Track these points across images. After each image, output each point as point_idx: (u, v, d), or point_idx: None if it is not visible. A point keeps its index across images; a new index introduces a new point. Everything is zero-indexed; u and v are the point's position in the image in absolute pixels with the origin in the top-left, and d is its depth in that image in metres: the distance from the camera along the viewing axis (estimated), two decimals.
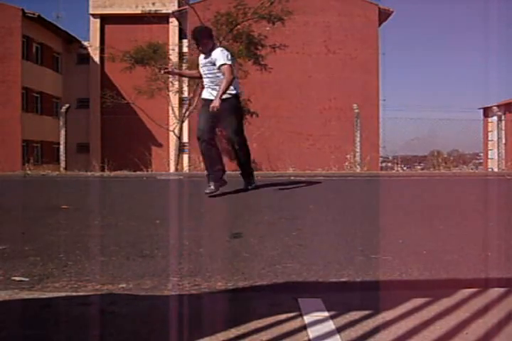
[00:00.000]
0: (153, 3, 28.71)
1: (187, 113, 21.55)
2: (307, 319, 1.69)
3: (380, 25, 25.04)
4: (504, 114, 12.77)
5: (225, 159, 5.38)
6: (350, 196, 5.59)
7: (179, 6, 27.26)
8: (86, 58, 30.31)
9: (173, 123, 22.76)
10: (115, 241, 2.97)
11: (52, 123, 22.15)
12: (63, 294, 2.00)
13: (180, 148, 21.91)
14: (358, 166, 10.24)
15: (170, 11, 27.47)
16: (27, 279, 2.19)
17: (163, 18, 27.93)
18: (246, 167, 5.34)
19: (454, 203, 4.94)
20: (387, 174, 10.04)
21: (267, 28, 19.23)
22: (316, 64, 23.82)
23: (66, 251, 2.70)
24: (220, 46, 5.16)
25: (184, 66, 22.02)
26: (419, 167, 14.43)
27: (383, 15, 24.83)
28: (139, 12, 27.79)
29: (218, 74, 4.88)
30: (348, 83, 23.36)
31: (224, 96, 4.77)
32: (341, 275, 2.27)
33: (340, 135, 20.45)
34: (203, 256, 2.63)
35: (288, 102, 22.81)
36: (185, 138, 23.77)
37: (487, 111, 29.06)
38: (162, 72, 4.77)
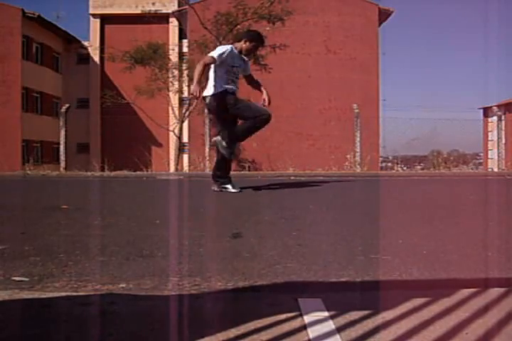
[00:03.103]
0: (153, 3, 28.73)
1: (187, 113, 21.56)
2: (307, 319, 1.69)
3: (380, 25, 25.06)
4: (504, 114, 12.78)
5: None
6: (350, 196, 5.59)
7: (179, 6, 27.29)
8: (86, 58, 30.35)
9: (173, 123, 22.78)
10: (115, 241, 2.97)
11: (52, 123, 22.17)
12: (63, 294, 2.00)
13: (180, 148, 21.93)
14: (358, 166, 10.25)
15: (170, 11, 27.52)
16: (27, 279, 2.19)
17: (163, 18, 27.96)
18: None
19: (454, 203, 4.94)
20: (387, 174, 10.04)
21: (267, 28, 19.25)
22: (316, 64, 23.84)
23: (66, 251, 2.70)
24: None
25: (184, 66, 22.06)
26: (419, 167, 14.44)
27: (383, 15, 24.85)
28: (139, 12, 27.81)
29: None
30: (348, 83, 23.39)
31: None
32: (341, 275, 2.27)
33: (340, 135, 20.48)
34: (203, 256, 2.63)
35: (288, 102, 22.82)
36: (185, 138, 23.78)
37: (487, 111, 29.10)
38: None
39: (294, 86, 23.39)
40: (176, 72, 22.06)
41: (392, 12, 25.05)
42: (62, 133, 10.57)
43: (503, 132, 11.16)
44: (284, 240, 3.01)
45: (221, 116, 5.28)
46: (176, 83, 22.39)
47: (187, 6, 22.90)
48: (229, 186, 5.31)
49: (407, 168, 14.31)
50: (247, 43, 5.16)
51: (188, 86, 22.06)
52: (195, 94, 4.93)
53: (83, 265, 2.43)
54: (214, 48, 20.42)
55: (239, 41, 5.22)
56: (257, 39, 5.23)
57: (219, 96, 5.09)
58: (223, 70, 5.10)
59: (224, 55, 5.03)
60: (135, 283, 2.15)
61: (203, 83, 5.24)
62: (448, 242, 2.98)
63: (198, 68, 4.96)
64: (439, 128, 14.29)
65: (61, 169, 10.26)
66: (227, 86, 5.11)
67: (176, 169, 17.20)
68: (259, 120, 5.14)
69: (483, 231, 3.36)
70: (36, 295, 1.99)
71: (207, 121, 11.09)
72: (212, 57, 4.99)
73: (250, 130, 5.26)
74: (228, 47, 5.12)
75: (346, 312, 1.76)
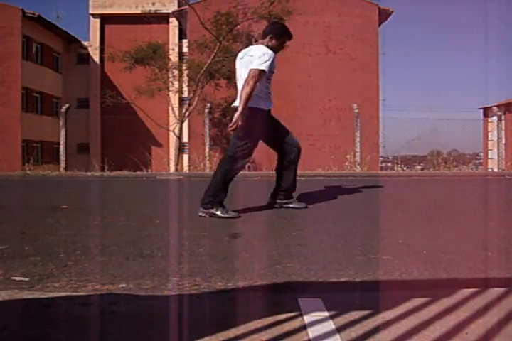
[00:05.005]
0: (153, 3, 28.71)
1: (187, 113, 21.56)
2: (307, 319, 1.69)
3: (380, 25, 25.03)
4: (504, 114, 12.76)
5: None
6: (350, 196, 5.59)
7: (179, 6, 27.25)
8: (86, 58, 30.33)
9: (173, 123, 22.76)
10: (115, 241, 2.97)
11: (52, 123, 22.14)
12: (63, 294, 2.00)
13: (180, 148, 21.91)
14: (358, 166, 10.24)
15: (170, 11, 27.48)
16: (27, 279, 2.19)
17: (163, 18, 27.96)
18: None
19: (454, 203, 4.94)
20: (387, 174, 10.03)
21: None
22: (316, 64, 23.81)
23: (66, 251, 2.70)
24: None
25: (184, 66, 22.05)
26: (419, 167, 14.43)
27: (383, 15, 24.82)
28: (139, 12, 27.82)
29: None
30: (348, 83, 23.36)
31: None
32: (341, 275, 2.27)
33: (340, 135, 20.47)
34: (203, 256, 2.63)
35: (288, 102, 22.78)
36: (185, 138, 23.77)
37: (487, 111, 29.06)
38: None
39: (294, 86, 23.34)
40: (176, 72, 22.05)
41: (392, 12, 25.02)
42: (62, 133, 10.57)
43: (503, 132, 11.16)
44: (284, 240, 3.01)
45: (254, 135, 4.10)
46: (176, 83, 22.38)
47: (187, 6, 22.87)
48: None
49: (407, 168, 14.29)
50: (273, 41, 4.26)
51: (188, 86, 22.05)
52: (239, 123, 3.87)
53: (83, 265, 2.43)
54: (214, 48, 20.09)
55: (264, 38, 4.31)
56: (283, 35, 4.34)
57: (259, 112, 4.09)
58: (263, 80, 4.09)
59: (271, 62, 4.06)
60: (135, 283, 2.15)
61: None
62: (448, 242, 2.98)
63: (247, 90, 3.88)
64: (439, 128, 14.28)
65: (61, 169, 10.26)
66: (266, 102, 4.18)
67: (176, 169, 17.18)
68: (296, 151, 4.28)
69: (483, 231, 3.36)
70: (36, 295, 1.99)
71: (207, 121, 11.09)
72: (263, 71, 3.99)
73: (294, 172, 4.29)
74: (270, 51, 4.10)
75: (346, 312, 1.76)
